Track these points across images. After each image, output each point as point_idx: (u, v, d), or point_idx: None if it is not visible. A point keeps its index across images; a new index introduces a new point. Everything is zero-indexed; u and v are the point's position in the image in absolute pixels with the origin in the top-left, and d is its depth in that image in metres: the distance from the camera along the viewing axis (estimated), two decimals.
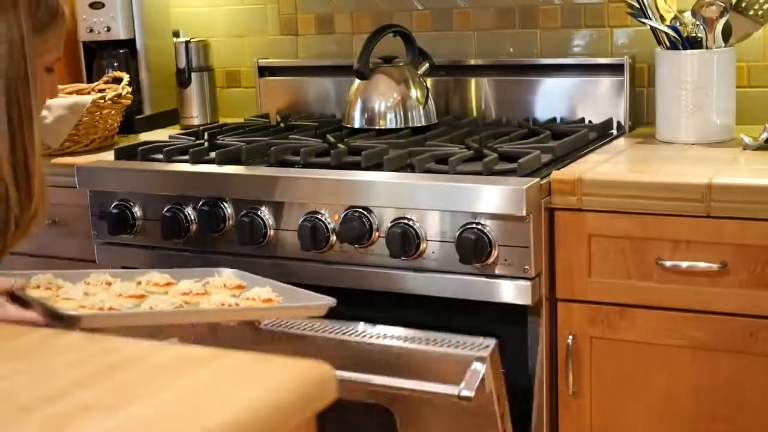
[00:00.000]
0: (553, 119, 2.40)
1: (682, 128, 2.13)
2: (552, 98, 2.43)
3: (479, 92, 2.52)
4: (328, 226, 1.96)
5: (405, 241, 1.87)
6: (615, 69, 2.35)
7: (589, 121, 2.37)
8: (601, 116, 2.36)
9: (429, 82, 2.45)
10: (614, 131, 2.33)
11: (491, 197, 1.81)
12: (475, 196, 1.82)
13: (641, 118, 2.41)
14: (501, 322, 1.91)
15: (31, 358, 1.07)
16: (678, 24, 2.15)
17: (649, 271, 1.83)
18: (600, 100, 2.37)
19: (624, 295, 1.86)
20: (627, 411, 1.90)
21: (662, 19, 2.16)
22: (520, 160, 1.89)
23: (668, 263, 1.81)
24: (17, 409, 0.92)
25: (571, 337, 1.90)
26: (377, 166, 2.01)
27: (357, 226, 1.91)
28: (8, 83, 1.48)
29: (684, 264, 1.80)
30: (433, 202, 1.86)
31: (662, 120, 2.18)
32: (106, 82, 2.62)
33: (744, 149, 2.03)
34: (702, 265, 1.79)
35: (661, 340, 1.85)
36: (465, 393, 1.78)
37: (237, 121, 2.65)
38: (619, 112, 2.34)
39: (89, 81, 2.76)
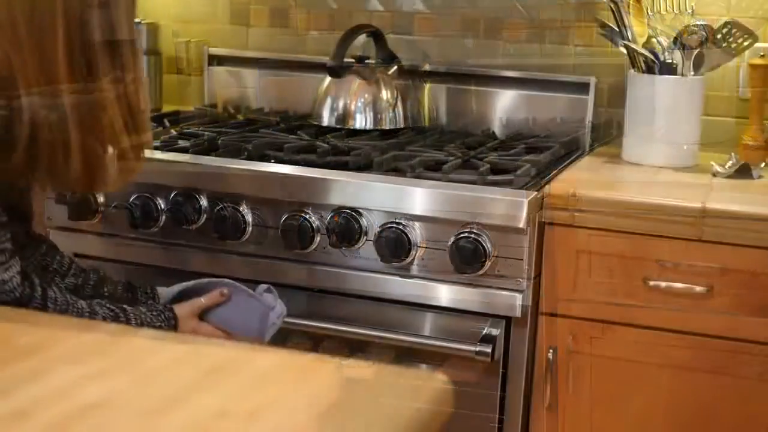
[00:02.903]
0: (517, 133, 2.41)
1: (652, 151, 2.17)
2: (512, 111, 2.44)
3: (436, 99, 2.50)
4: (314, 226, 1.91)
5: (398, 245, 1.84)
6: (577, 87, 2.39)
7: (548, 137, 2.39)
8: (561, 133, 2.38)
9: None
10: (579, 149, 2.36)
11: (491, 207, 1.80)
12: (474, 205, 1.81)
13: (599, 137, 2.46)
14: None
15: (118, 356, 0.99)
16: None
17: (635, 290, 1.86)
18: (561, 117, 2.40)
19: (608, 313, 1.89)
20: (601, 428, 1.92)
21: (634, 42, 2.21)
22: (517, 173, 1.89)
23: (654, 283, 1.84)
24: (141, 414, 0.85)
25: (551, 351, 1.91)
26: (363, 168, 1.98)
27: (347, 226, 1.87)
28: None
29: (670, 285, 1.84)
30: (430, 208, 1.84)
31: (631, 141, 2.22)
32: None
33: (714, 176, 2.10)
34: (688, 287, 1.83)
35: (642, 358, 1.88)
36: None
37: (186, 110, 2.55)
38: (581, 130, 2.38)
39: None
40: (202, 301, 1.64)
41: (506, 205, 1.80)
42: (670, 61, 2.20)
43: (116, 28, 1.41)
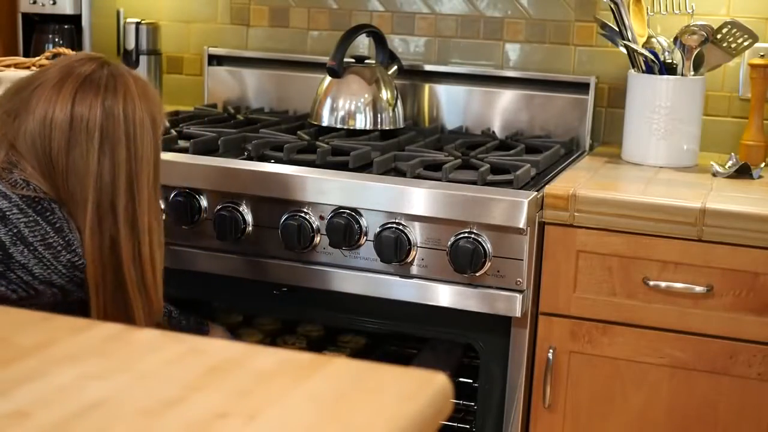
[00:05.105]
0: (517, 133, 2.41)
1: (652, 151, 2.17)
2: (512, 111, 2.44)
3: (436, 99, 2.50)
4: (314, 226, 1.91)
5: (397, 246, 1.84)
6: (577, 87, 2.39)
7: (547, 137, 2.39)
8: (561, 133, 2.39)
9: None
10: (578, 149, 2.36)
11: (491, 208, 1.80)
12: (474, 206, 1.81)
13: (598, 137, 2.46)
14: (483, 333, 1.91)
15: (118, 355, 0.99)
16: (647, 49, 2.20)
17: (635, 290, 1.86)
18: (560, 117, 2.40)
19: (608, 312, 1.89)
20: (600, 427, 1.92)
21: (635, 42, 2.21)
22: (517, 173, 1.89)
23: (654, 283, 1.84)
24: (142, 414, 0.85)
25: (551, 350, 1.91)
26: (363, 168, 1.98)
27: (346, 226, 1.87)
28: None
29: (670, 285, 1.84)
30: (430, 209, 1.84)
31: (631, 141, 2.22)
32: (48, 58, 2.48)
33: (714, 176, 2.10)
34: (688, 287, 1.83)
35: (641, 357, 1.88)
36: None
37: (186, 110, 2.55)
38: (582, 130, 2.38)
39: (26, 55, 2.60)
40: None
41: (506, 206, 1.80)
42: (670, 61, 2.20)
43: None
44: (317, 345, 2.24)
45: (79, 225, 1.53)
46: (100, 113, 1.53)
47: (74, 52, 2.42)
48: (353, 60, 2.32)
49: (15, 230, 1.49)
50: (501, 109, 2.45)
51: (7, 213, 1.49)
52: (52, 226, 1.51)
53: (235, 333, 2.18)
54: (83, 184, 1.52)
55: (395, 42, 2.56)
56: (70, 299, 1.55)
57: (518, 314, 1.84)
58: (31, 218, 1.50)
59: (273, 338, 2.25)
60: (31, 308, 1.48)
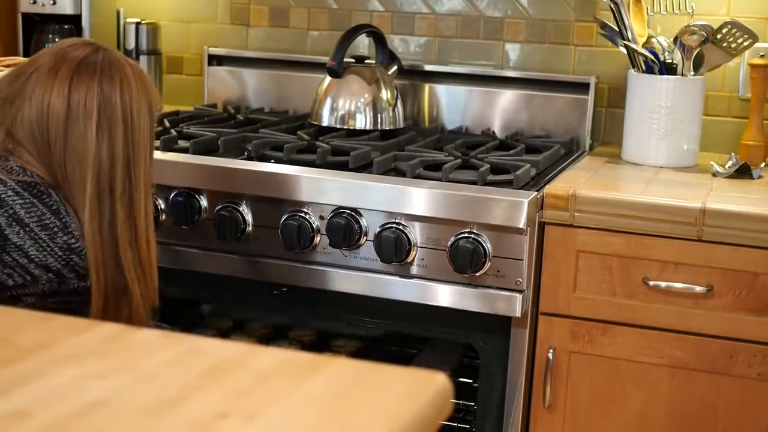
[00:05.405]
0: (517, 133, 2.41)
1: (652, 151, 2.17)
2: (512, 111, 2.44)
3: (436, 99, 2.50)
4: (314, 226, 1.91)
5: (398, 246, 1.84)
6: (577, 87, 2.39)
7: (547, 137, 2.39)
8: (561, 133, 2.39)
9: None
10: (578, 149, 2.36)
11: (491, 208, 1.80)
12: (474, 206, 1.81)
13: (598, 137, 2.46)
14: (483, 333, 1.91)
15: (119, 355, 0.99)
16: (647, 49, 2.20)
17: (635, 290, 1.86)
18: (560, 117, 2.40)
19: (608, 312, 1.89)
20: (600, 427, 1.92)
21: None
22: (517, 173, 1.89)
23: (654, 283, 1.84)
24: (142, 414, 0.85)
25: (551, 350, 1.91)
26: (363, 168, 1.98)
27: (346, 226, 1.87)
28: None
29: (670, 285, 1.84)
30: (430, 209, 1.84)
31: (631, 141, 2.22)
32: None
33: (714, 176, 2.10)
34: (688, 287, 1.83)
35: (641, 357, 1.88)
36: None
37: (186, 109, 2.55)
38: (581, 130, 2.38)
39: (26, 55, 2.60)
40: None
41: (506, 206, 1.80)
42: (670, 61, 2.20)
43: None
44: (310, 350, 2.23)
45: (78, 208, 1.53)
46: (98, 95, 1.53)
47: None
48: (353, 60, 2.32)
49: (11, 211, 1.49)
50: (501, 109, 2.45)
51: (3, 196, 1.50)
52: (48, 208, 1.51)
53: (226, 338, 2.17)
54: (82, 167, 1.53)
55: (395, 42, 2.56)
56: (66, 288, 1.55)
57: (518, 314, 1.84)
58: (27, 200, 1.51)
59: (266, 343, 2.24)
60: (28, 297, 1.49)
